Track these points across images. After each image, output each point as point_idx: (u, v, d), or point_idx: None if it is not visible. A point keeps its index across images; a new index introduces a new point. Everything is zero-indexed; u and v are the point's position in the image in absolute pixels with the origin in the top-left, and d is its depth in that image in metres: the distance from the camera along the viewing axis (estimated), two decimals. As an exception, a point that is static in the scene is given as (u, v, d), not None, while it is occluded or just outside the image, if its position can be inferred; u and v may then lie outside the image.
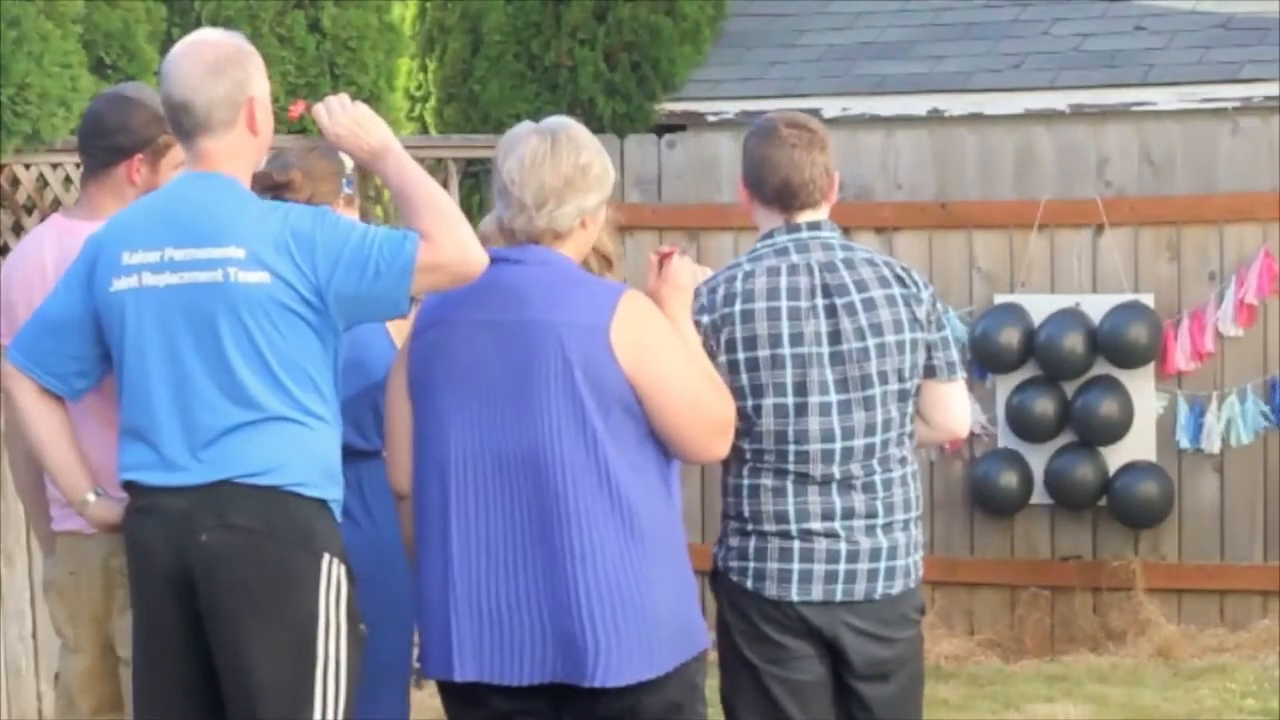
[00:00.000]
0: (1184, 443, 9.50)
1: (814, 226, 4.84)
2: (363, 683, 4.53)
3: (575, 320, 4.41)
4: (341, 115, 4.49)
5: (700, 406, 4.50)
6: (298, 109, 4.65)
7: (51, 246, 4.86)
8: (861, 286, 4.78)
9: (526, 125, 4.55)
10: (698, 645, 4.54)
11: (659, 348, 4.46)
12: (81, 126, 5.03)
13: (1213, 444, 9.47)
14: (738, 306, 4.75)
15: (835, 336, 4.76)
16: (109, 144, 4.89)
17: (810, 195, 4.83)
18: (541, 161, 4.46)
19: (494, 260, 4.47)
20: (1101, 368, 9.52)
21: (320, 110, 4.52)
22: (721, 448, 4.60)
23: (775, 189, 4.83)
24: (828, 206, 4.89)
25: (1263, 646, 9.15)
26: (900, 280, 4.82)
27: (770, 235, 4.84)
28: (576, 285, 4.47)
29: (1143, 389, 9.50)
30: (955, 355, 4.91)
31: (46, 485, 4.85)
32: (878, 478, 4.79)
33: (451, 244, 4.36)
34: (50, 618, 5.01)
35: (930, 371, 4.86)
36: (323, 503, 4.43)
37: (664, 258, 4.65)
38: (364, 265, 4.35)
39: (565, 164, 4.46)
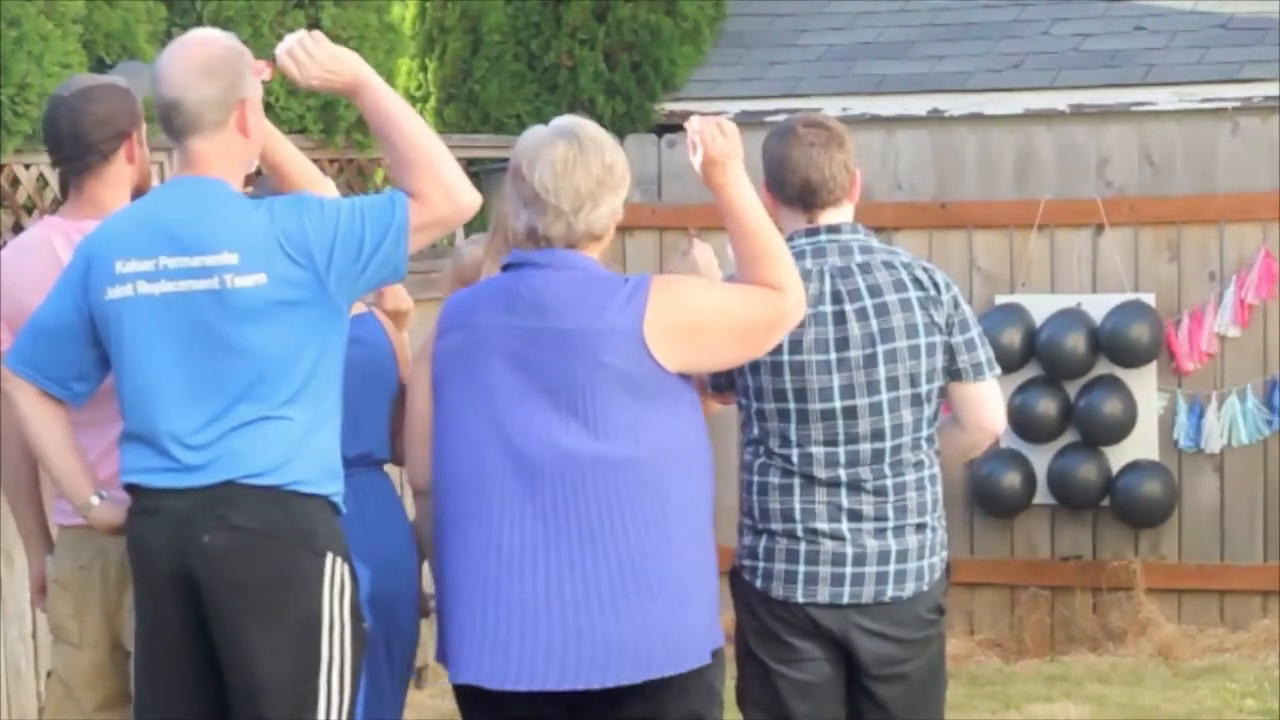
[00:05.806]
0: (1183, 442, 9.50)
1: (834, 229, 4.82)
2: (362, 683, 4.54)
3: (608, 327, 4.39)
4: (312, 69, 4.46)
5: (749, 329, 4.51)
6: (268, 73, 4.55)
7: (64, 250, 4.79)
8: (875, 291, 4.76)
9: (542, 131, 4.50)
10: (715, 642, 4.52)
11: (694, 326, 4.44)
12: (72, 129, 4.83)
13: (1212, 444, 9.47)
14: None
15: (842, 343, 4.74)
16: (113, 132, 4.82)
17: (832, 193, 4.82)
18: (573, 166, 4.43)
19: (520, 265, 4.47)
20: (1103, 367, 9.52)
21: (289, 66, 4.47)
22: (775, 339, 4.58)
23: (796, 188, 4.82)
24: (850, 205, 4.87)
25: (1263, 646, 9.15)
26: (918, 283, 4.79)
27: (790, 239, 4.81)
28: (606, 290, 4.44)
29: (1145, 388, 9.50)
30: (984, 355, 4.84)
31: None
32: (889, 481, 4.76)
33: (442, 199, 4.38)
34: (48, 615, 4.96)
35: (955, 374, 4.83)
36: (324, 500, 4.43)
37: (695, 134, 4.51)
38: (359, 242, 4.37)
39: (595, 166, 4.44)
